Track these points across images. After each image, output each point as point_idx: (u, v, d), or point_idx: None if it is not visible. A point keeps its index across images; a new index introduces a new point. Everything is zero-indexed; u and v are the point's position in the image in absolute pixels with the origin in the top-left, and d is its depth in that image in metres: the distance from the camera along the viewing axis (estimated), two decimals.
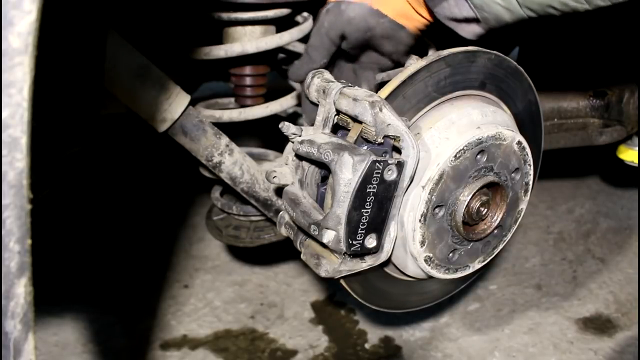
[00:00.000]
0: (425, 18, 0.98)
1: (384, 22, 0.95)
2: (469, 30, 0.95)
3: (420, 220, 0.99)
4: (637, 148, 1.78)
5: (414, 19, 0.96)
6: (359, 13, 0.94)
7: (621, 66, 1.70)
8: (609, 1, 0.79)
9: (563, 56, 1.82)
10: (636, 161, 1.78)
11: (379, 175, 0.87)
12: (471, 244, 1.09)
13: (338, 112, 0.96)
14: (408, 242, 1.02)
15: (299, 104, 1.45)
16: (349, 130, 0.95)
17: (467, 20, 0.93)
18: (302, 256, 1.00)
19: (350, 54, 1.07)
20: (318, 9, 1.35)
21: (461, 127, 1.01)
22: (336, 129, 0.99)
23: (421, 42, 1.31)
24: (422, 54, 1.11)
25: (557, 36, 1.79)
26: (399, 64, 1.11)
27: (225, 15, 1.24)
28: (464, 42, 1.04)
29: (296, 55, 1.46)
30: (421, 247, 1.01)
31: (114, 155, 2.86)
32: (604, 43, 1.73)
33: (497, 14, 0.87)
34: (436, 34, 1.13)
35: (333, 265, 0.94)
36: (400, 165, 0.89)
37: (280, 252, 2.12)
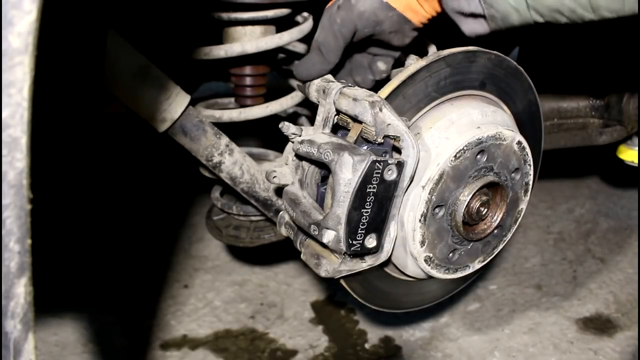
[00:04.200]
0: (428, 12, 0.98)
1: (393, 15, 0.95)
2: (473, 27, 0.94)
3: (420, 220, 0.98)
4: (637, 148, 1.78)
5: (419, 13, 0.96)
6: (369, 6, 0.94)
7: (621, 73, 1.70)
8: (615, 13, 0.80)
9: (563, 61, 1.82)
10: (636, 161, 1.78)
11: (379, 175, 0.87)
12: (471, 244, 1.09)
13: (338, 112, 0.96)
14: (408, 242, 1.02)
15: (299, 104, 1.45)
16: (349, 130, 0.95)
17: (474, 15, 0.92)
18: (302, 256, 1.00)
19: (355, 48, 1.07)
20: (318, 9, 1.35)
21: (461, 127, 1.01)
22: (336, 129, 0.99)
23: (421, 42, 1.32)
24: (422, 54, 1.11)
25: (558, 41, 1.79)
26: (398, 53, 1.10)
27: (225, 15, 1.24)
28: (464, 42, 1.04)
29: (296, 55, 1.46)
30: (421, 247, 1.01)
31: (114, 155, 2.86)
32: (605, 50, 1.73)
33: (505, 13, 0.87)
34: (436, 33, 1.13)
35: (333, 265, 0.94)
36: (400, 165, 0.89)
37: (280, 252, 2.12)
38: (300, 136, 0.95)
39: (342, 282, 1.11)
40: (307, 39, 1.36)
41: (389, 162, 0.87)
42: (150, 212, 2.56)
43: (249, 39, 1.29)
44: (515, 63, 1.10)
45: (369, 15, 0.95)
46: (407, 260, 1.06)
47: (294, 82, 1.57)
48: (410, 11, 0.96)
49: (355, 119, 0.92)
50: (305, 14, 1.36)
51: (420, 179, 0.97)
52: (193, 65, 1.33)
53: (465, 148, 0.98)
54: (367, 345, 1.82)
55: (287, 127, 0.95)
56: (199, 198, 2.55)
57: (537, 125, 1.23)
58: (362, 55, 1.10)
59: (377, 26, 0.96)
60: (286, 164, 1.01)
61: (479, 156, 1.01)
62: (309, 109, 1.60)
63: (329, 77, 0.99)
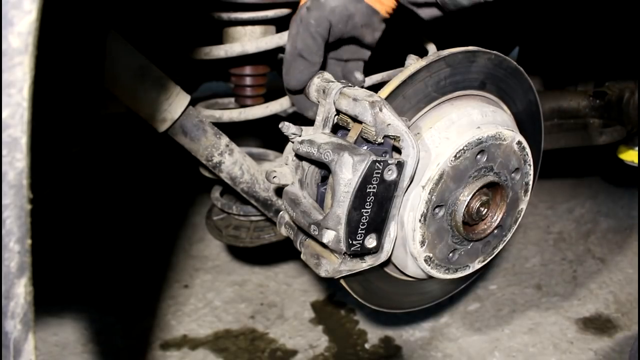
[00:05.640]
0: (391, 1, 1.01)
1: (362, 7, 0.98)
2: (429, 13, 1.02)
3: (420, 220, 0.98)
4: (637, 148, 1.78)
5: (384, 3, 0.99)
6: (340, 1, 0.96)
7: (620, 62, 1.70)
8: None
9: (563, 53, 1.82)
10: (636, 161, 1.79)
11: (379, 175, 0.87)
12: (471, 244, 1.09)
13: (338, 112, 0.96)
14: (408, 242, 1.02)
15: None
16: (349, 130, 0.95)
17: (427, 4, 0.99)
18: (302, 256, 1.00)
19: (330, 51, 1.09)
20: None
21: (461, 127, 1.00)
22: (336, 129, 0.99)
23: (421, 42, 1.32)
24: (422, 54, 1.11)
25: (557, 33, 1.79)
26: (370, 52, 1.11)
27: (225, 15, 1.24)
28: (463, 42, 1.04)
29: None
30: (421, 247, 1.01)
31: (114, 155, 2.86)
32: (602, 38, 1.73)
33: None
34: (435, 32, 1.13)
35: (333, 265, 0.94)
36: (400, 165, 0.89)
37: (280, 252, 2.12)
38: (300, 136, 0.95)
39: (342, 282, 1.11)
40: None
41: (389, 162, 0.87)
42: (150, 212, 2.56)
43: (249, 39, 1.29)
44: (515, 63, 1.10)
45: (341, 10, 0.97)
46: (407, 260, 1.06)
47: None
48: (376, 2, 0.99)
49: (355, 119, 0.92)
50: None
51: (420, 179, 0.97)
52: (193, 65, 1.33)
53: (465, 148, 0.98)
54: (367, 345, 1.82)
55: (287, 127, 0.95)
56: (199, 198, 2.55)
57: (537, 125, 1.23)
58: (334, 64, 1.12)
59: (349, 20, 0.99)
60: (286, 164, 1.01)
61: (479, 156, 1.01)
62: None
63: (329, 77, 1.00)
